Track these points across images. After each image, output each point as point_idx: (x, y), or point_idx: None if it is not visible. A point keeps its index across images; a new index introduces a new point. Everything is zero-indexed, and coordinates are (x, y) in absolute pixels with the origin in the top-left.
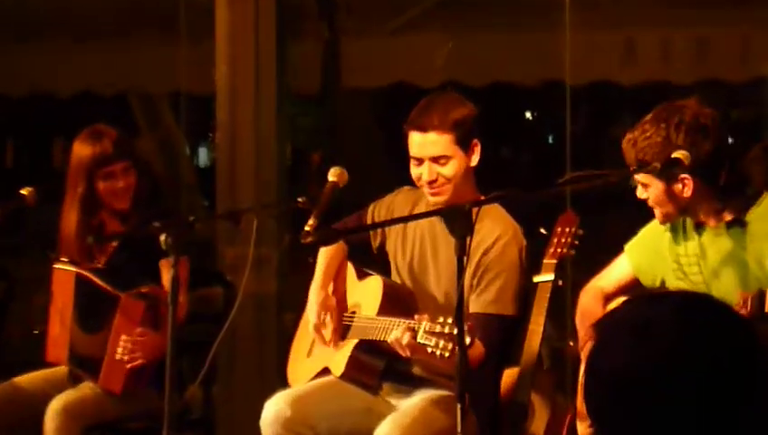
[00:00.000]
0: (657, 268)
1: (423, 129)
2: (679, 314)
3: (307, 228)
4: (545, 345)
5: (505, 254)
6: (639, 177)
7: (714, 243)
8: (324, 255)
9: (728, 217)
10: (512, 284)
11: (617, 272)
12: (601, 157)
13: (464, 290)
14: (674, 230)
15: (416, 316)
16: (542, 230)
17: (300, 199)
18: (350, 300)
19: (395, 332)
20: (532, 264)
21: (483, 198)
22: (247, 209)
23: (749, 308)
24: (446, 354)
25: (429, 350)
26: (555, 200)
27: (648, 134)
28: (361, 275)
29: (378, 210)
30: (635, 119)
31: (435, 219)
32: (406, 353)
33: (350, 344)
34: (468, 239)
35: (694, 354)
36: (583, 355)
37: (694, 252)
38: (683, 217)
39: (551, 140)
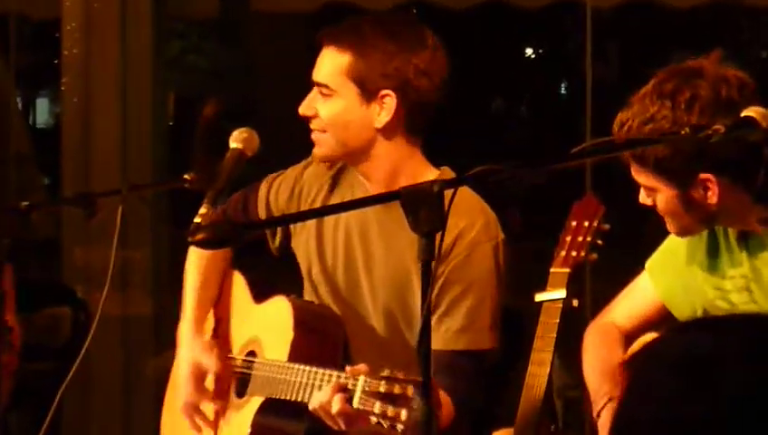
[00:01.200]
0: (694, 294)
1: (327, 39)
2: (750, 345)
3: (198, 220)
4: (554, 395)
5: (474, 257)
6: (642, 179)
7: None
8: (196, 266)
9: None
10: (487, 302)
11: (637, 300)
12: None
13: (430, 314)
14: (710, 237)
15: (348, 369)
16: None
17: (187, 177)
18: (246, 333)
19: (318, 394)
20: (532, 273)
21: (441, 173)
22: (108, 192)
23: None
24: (400, 427)
25: (374, 420)
26: (569, 180)
27: (648, 115)
28: (259, 295)
29: (275, 191)
30: (690, 58)
31: (364, 214)
32: (338, 425)
33: (250, 407)
34: (439, 236)
35: None
36: (603, 421)
37: (741, 272)
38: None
39: (563, 88)
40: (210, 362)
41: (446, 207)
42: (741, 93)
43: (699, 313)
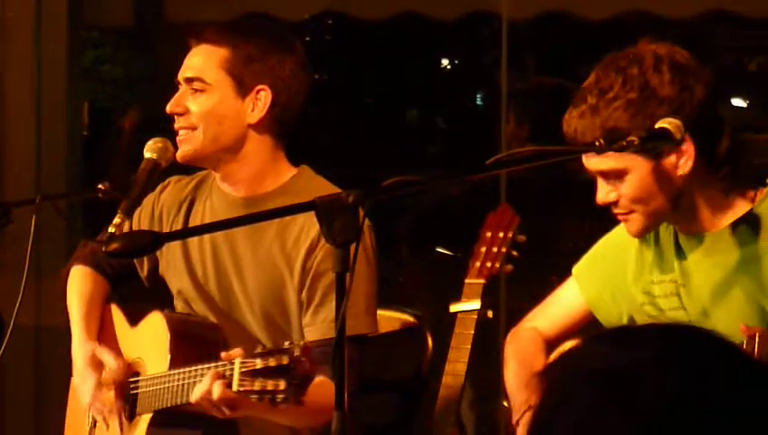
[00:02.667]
0: (622, 300)
1: (197, 37)
2: (666, 356)
3: (112, 229)
4: (468, 409)
5: None
6: (607, 163)
7: (703, 262)
8: (77, 296)
9: (731, 213)
10: (360, 287)
11: (562, 306)
12: (555, 125)
13: (345, 325)
14: (642, 242)
15: (223, 355)
16: (441, 250)
17: (101, 186)
18: (128, 357)
19: (198, 386)
20: (447, 283)
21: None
22: (22, 202)
23: (756, 349)
24: (280, 397)
25: (254, 398)
26: (484, 191)
27: (611, 94)
28: (134, 319)
29: (137, 222)
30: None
31: (227, 215)
32: (224, 413)
33: (141, 426)
34: (353, 247)
35: (690, 413)
36: (522, 431)
37: (671, 277)
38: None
39: (479, 99)
40: (106, 355)
41: (362, 217)
42: (693, 61)
43: (625, 319)
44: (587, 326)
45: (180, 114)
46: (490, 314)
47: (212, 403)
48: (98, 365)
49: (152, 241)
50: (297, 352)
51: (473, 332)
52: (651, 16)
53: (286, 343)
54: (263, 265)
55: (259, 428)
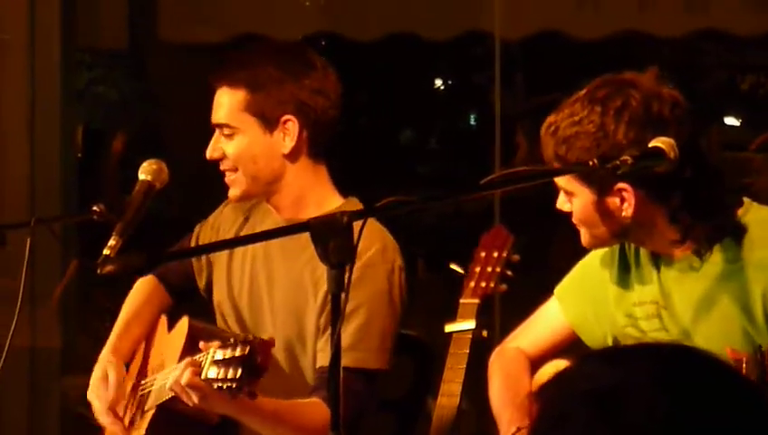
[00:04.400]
0: (605, 321)
1: (218, 79)
2: (658, 376)
3: (107, 251)
4: (463, 428)
5: (366, 278)
6: (562, 181)
7: (683, 281)
8: (129, 302)
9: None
10: (377, 322)
11: (546, 326)
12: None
13: (340, 347)
14: (621, 263)
15: (201, 344)
16: (455, 267)
17: (96, 208)
18: (157, 360)
19: (173, 373)
20: (442, 303)
21: (345, 202)
22: (17, 224)
23: (744, 374)
24: (235, 386)
25: (216, 386)
26: (478, 211)
27: (576, 118)
28: (172, 324)
29: (203, 233)
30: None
31: (273, 244)
32: (192, 400)
33: (145, 420)
34: (347, 268)
35: (683, 425)
36: None
37: (651, 298)
38: (627, 244)
39: (473, 119)
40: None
41: (356, 239)
42: (672, 112)
43: (610, 340)
44: (570, 346)
45: (219, 159)
46: (485, 333)
47: (182, 389)
48: (99, 387)
49: (146, 261)
50: (256, 344)
51: (468, 351)
52: (644, 36)
53: (250, 336)
54: (292, 287)
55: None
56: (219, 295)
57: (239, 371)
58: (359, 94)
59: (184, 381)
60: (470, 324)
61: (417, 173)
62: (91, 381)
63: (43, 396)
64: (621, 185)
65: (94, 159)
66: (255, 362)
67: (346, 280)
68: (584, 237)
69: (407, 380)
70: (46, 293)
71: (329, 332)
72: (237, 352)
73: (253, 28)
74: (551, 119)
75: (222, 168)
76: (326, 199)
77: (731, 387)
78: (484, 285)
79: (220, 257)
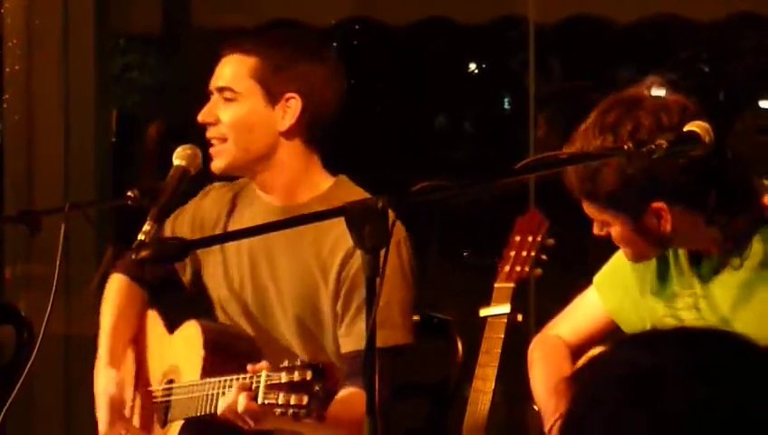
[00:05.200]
0: (643, 311)
1: (230, 48)
2: (696, 356)
3: (141, 237)
4: (498, 413)
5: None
6: (594, 212)
7: (722, 273)
8: (110, 307)
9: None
10: (396, 298)
11: (585, 314)
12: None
13: (375, 332)
14: (661, 263)
15: (249, 367)
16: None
17: (130, 194)
18: (164, 364)
19: (224, 398)
20: (477, 288)
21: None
22: (51, 210)
23: None
24: (303, 412)
25: (278, 412)
26: (513, 195)
27: (591, 149)
28: (173, 326)
29: (178, 226)
30: (634, 73)
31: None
32: (248, 425)
33: (172, 432)
34: (383, 252)
35: (721, 410)
36: None
37: (690, 290)
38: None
39: (507, 103)
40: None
41: (391, 224)
42: (682, 118)
43: (648, 327)
44: (610, 335)
45: (212, 124)
46: (520, 317)
47: (237, 415)
48: (114, 399)
49: (181, 248)
50: (321, 369)
51: (503, 336)
52: (678, 19)
53: (304, 360)
54: (298, 273)
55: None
56: (219, 291)
57: (305, 397)
58: (393, 79)
59: (241, 408)
60: (505, 309)
61: (452, 158)
62: (97, 398)
63: (77, 384)
64: (656, 205)
65: (128, 144)
66: (326, 387)
67: (380, 264)
68: (627, 254)
69: (441, 364)
70: (81, 279)
71: (349, 316)
72: (296, 377)
73: (285, 14)
74: (568, 151)
75: (210, 135)
76: (318, 181)
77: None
78: (518, 269)
79: (211, 252)
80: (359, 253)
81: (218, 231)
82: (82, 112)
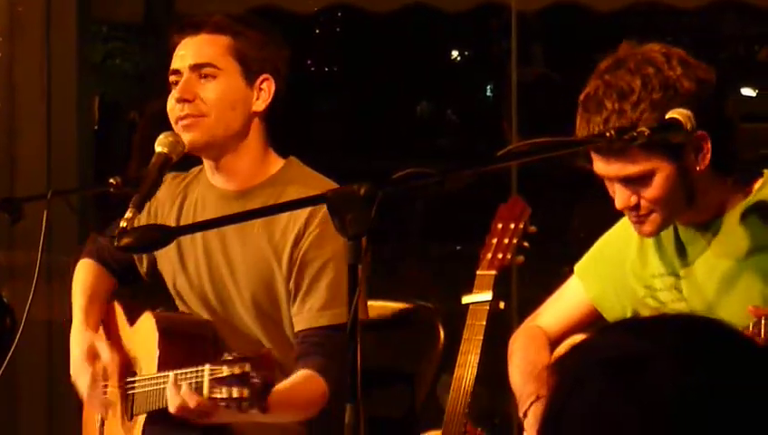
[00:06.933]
0: (624, 295)
1: (195, 28)
2: (683, 342)
3: (123, 223)
4: (479, 400)
5: (327, 234)
6: (633, 167)
7: (707, 251)
8: (81, 286)
9: (731, 204)
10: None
11: (566, 304)
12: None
13: (357, 318)
14: (642, 240)
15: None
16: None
17: (112, 181)
18: (127, 357)
19: (171, 395)
20: (459, 275)
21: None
22: (33, 197)
23: (763, 331)
24: (245, 404)
25: (223, 405)
26: (494, 182)
27: (636, 95)
28: (132, 317)
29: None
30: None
31: (218, 208)
32: (202, 419)
33: (137, 427)
34: (364, 239)
35: (706, 396)
36: (530, 421)
37: (671, 269)
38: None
39: (489, 91)
40: (103, 348)
41: (373, 209)
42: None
43: (629, 313)
44: (591, 324)
45: (190, 101)
46: (502, 305)
47: (188, 410)
48: (94, 357)
49: (163, 236)
50: (258, 360)
51: (485, 323)
52: (661, 6)
53: (242, 352)
54: (252, 258)
55: (251, 426)
56: (174, 278)
57: (245, 390)
58: (375, 66)
59: (190, 404)
60: (487, 296)
61: (434, 145)
62: (74, 361)
63: (60, 370)
64: (700, 133)
65: (110, 131)
66: (264, 377)
67: (361, 250)
68: (650, 225)
69: (422, 352)
70: (63, 266)
71: (301, 294)
72: (236, 370)
73: (268, 1)
74: (601, 112)
75: (183, 112)
76: (269, 163)
77: (755, 360)
78: (500, 256)
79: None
80: (309, 232)
81: (170, 219)
82: (65, 100)
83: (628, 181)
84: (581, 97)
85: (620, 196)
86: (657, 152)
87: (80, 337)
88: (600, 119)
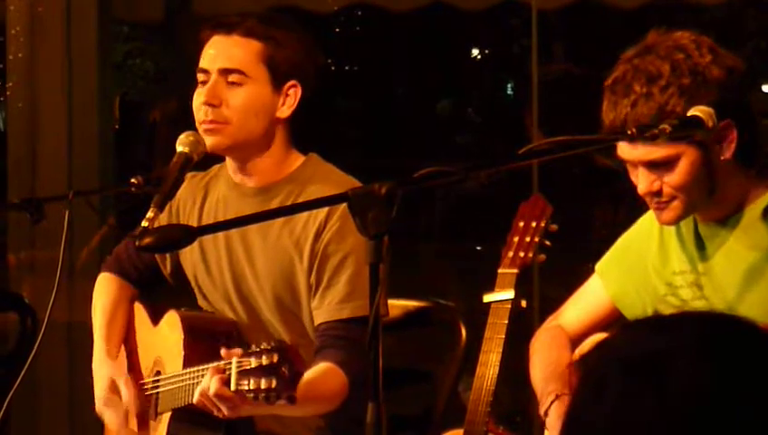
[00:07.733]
0: (645, 293)
1: (227, 28)
2: (702, 344)
3: (145, 223)
4: (501, 398)
5: (346, 228)
6: (659, 151)
7: (728, 248)
8: (100, 303)
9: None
10: (366, 269)
11: (587, 303)
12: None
13: (379, 318)
14: (663, 236)
15: (223, 352)
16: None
17: (134, 181)
18: (151, 357)
19: (199, 385)
20: (480, 274)
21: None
22: (55, 197)
23: None
24: (273, 395)
25: (251, 397)
26: (516, 181)
27: (664, 80)
28: (156, 317)
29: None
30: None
31: (240, 205)
32: (223, 412)
33: (162, 425)
34: (386, 238)
35: (727, 397)
36: (551, 420)
37: (692, 267)
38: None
39: (510, 89)
40: (123, 387)
41: (393, 208)
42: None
43: (649, 311)
44: (612, 322)
45: (216, 106)
46: (524, 303)
47: (210, 401)
48: (116, 393)
49: (185, 235)
50: (286, 351)
51: (507, 322)
52: (682, 3)
53: (272, 343)
54: (273, 252)
55: (273, 421)
56: (199, 278)
57: (273, 381)
58: (396, 65)
59: (212, 392)
60: (509, 294)
61: (455, 143)
62: (100, 394)
63: (81, 370)
64: (725, 122)
65: (131, 130)
66: (292, 369)
67: (383, 249)
68: (671, 212)
69: (444, 350)
70: (85, 266)
71: (321, 287)
72: (264, 361)
73: (287, 0)
74: (630, 95)
75: (212, 117)
76: (291, 161)
77: None
78: (522, 254)
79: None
80: (330, 226)
81: (192, 218)
82: (85, 100)
83: (652, 166)
84: (608, 81)
85: (644, 180)
86: (684, 138)
87: (102, 371)
88: (628, 102)
